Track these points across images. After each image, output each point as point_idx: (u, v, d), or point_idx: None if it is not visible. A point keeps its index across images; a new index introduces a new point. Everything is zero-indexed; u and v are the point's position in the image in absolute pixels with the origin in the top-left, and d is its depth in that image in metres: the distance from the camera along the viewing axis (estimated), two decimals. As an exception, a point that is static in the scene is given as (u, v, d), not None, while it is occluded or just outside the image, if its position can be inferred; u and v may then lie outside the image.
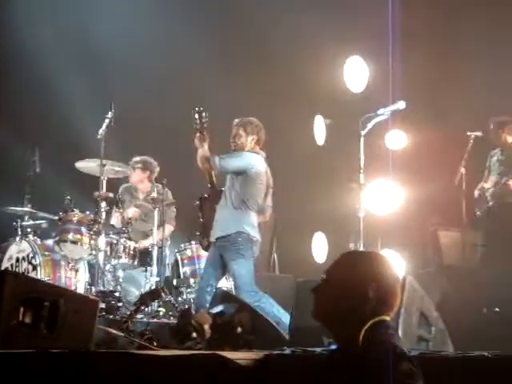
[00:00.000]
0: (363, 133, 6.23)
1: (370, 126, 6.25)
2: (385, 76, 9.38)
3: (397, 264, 8.94)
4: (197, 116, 6.73)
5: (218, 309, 5.76)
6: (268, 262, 9.13)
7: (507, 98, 8.76)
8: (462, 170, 8.26)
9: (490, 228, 8.37)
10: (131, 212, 8.44)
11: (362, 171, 6.26)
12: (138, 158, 8.78)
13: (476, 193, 8.52)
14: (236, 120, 7.04)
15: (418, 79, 8.87)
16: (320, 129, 10.45)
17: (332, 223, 9.64)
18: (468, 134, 8.29)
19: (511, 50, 8.97)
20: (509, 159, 8.47)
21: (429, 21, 9.32)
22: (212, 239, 6.74)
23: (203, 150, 6.72)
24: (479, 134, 8.38)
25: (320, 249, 10.40)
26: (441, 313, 5.71)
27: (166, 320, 7.23)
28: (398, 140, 8.30)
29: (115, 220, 8.34)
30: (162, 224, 8.13)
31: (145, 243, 8.20)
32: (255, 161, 6.84)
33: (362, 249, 6.07)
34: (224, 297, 6.28)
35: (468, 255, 8.10)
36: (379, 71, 9.73)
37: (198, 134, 6.73)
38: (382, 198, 9.59)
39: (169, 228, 8.50)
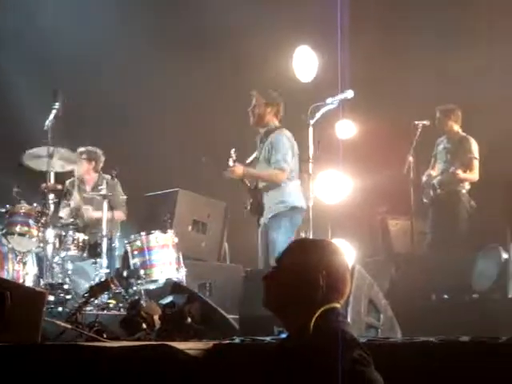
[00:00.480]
0: (312, 122, 6.25)
1: (318, 115, 6.28)
2: (333, 65, 9.44)
3: (346, 252, 9.01)
4: (234, 156, 6.93)
5: (168, 299, 5.75)
6: (218, 251, 9.12)
7: (453, 87, 8.87)
8: (410, 158, 8.35)
9: (436, 216, 8.49)
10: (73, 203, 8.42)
11: (311, 161, 6.27)
12: (82, 149, 8.70)
13: (423, 178, 8.63)
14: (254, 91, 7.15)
15: (366, 69, 8.92)
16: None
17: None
18: (415, 122, 8.38)
19: (458, 40, 9.08)
20: (455, 147, 8.58)
21: (377, 11, 9.38)
22: None
23: (249, 174, 6.97)
24: (426, 122, 8.47)
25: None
26: (390, 300, 5.78)
27: (115, 312, 7.17)
28: (347, 129, 8.35)
29: (63, 212, 8.26)
30: (111, 214, 8.06)
31: (95, 214, 8.20)
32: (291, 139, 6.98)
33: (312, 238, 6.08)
34: (174, 287, 6.27)
35: (416, 243, 8.19)
36: (328, 61, 9.77)
37: (233, 169, 6.93)
38: (331, 188, 9.68)
39: (119, 215, 8.44)
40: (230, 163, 6.86)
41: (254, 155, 7.14)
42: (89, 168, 8.70)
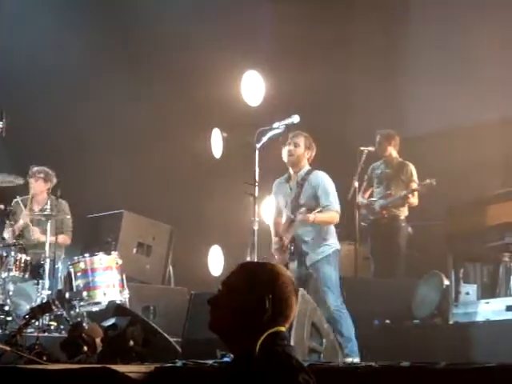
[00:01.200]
0: (258, 146, 6.28)
1: (264, 139, 6.31)
2: (281, 91, 9.54)
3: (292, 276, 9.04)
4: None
5: (111, 322, 5.69)
6: (163, 274, 9.08)
7: (399, 114, 9.03)
8: (355, 183, 8.42)
9: (376, 240, 8.55)
10: (22, 221, 8.27)
11: (257, 184, 6.29)
12: (39, 168, 8.47)
13: (362, 201, 8.69)
14: (295, 132, 6.81)
15: (313, 94, 9.02)
16: (217, 142, 10.50)
17: (228, 236, 9.69)
18: (361, 148, 8.46)
19: (407, 63, 9.24)
20: (394, 172, 8.67)
21: (323, 37, 9.50)
22: None
23: (318, 218, 6.57)
24: (372, 148, 8.56)
25: (216, 262, 10.43)
26: (332, 325, 5.81)
27: (57, 334, 7.08)
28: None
29: (7, 233, 8.11)
30: (55, 236, 7.96)
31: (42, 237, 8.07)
32: None
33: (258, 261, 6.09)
34: (117, 310, 6.21)
35: (360, 268, 8.24)
36: (276, 86, 9.87)
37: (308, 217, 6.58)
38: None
39: (64, 238, 8.33)
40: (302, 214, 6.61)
41: (285, 198, 6.86)
42: (44, 187, 8.49)
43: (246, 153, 6.84)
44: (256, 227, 6.18)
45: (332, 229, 6.77)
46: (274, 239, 6.87)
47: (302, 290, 5.52)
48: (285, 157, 6.76)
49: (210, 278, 9.88)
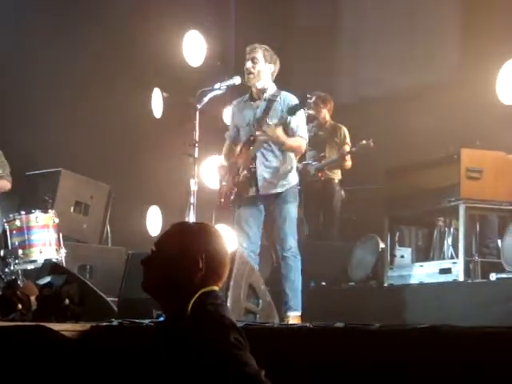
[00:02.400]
0: (199, 106, 6.19)
1: (205, 99, 6.21)
2: (223, 51, 9.47)
3: (229, 238, 9.05)
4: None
5: (46, 280, 5.62)
6: (100, 233, 8.98)
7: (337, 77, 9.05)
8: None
9: (311, 203, 8.53)
10: None
11: (196, 145, 6.22)
12: None
13: (298, 165, 8.65)
14: (251, 46, 6.25)
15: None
16: (158, 102, 10.38)
17: (167, 197, 9.63)
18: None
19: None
20: (328, 134, 8.64)
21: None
22: None
23: (279, 136, 6.10)
24: (312, 112, 8.49)
25: (154, 222, 10.38)
26: (269, 286, 5.83)
27: (-9, 292, 6.96)
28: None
29: None
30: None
31: None
32: None
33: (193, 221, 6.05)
34: (53, 268, 6.14)
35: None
36: (217, 46, 9.78)
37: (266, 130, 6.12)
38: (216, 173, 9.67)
39: (4, 184, 8.10)
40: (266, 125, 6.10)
41: (247, 118, 6.31)
42: None
43: (186, 113, 6.75)
44: (195, 188, 6.12)
45: (294, 160, 6.32)
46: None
47: (239, 251, 5.50)
48: (245, 76, 6.22)
49: (148, 238, 9.82)
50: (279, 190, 6.18)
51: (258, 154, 6.21)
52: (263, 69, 6.20)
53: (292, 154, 6.29)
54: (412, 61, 9.13)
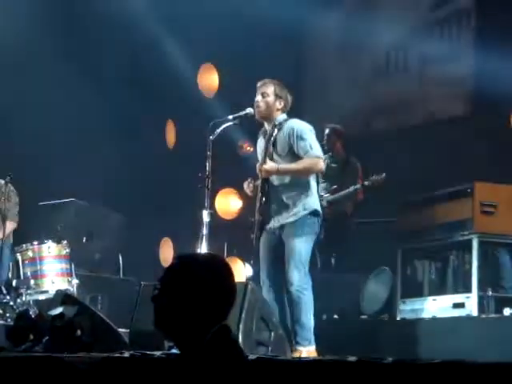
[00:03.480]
0: (212, 138, 6.23)
1: (218, 131, 6.26)
2: (236, 82, 9.51)
3: (240, 270, 9.05)
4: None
5: (58, 311, 5.62)
6: (113, 263, 9.00)
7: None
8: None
9: (324, 236, 8.49)
10: None
11: (209, 177, 6.25)
12: None
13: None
14: (262, 81, 6.21)
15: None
16: (171, 132, 10.45)
17: (180, 228, 9.64)
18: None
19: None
20: (341, 167, 8.64)
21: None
22: None
23: (284, 169, 5.99)
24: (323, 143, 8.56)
25: (167, 253, 10.37)
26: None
27: (2, 322, 6.98)
28: (248, 147, 8.36)
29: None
30: (2, 221, 7.84)
31: None
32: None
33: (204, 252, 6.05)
34: (64, 299, 6.13)
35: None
36: (232, 77, 9.84)
37: (265, 168, 6.03)
38: (230, 205, 9.70)
39: (11, 224, 8.18)
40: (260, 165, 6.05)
41: (261, 155, 6.23)
42: None
43: (199, 144, 6.79)
44: (208, 219, 6.13)
45: (312, 184, 6.08)
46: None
47: (251, 284, 5.50)
48: (254, 111, 6.15)
49: (161, 269, 9.81)
50: (291, 219, 6.03)
51: (270, 186, 6.14)
52: (273, 102, 6.14)
53: (307, 181, 6.07)
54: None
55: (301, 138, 5.99)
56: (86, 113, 9.65)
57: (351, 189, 8.38)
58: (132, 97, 9.79)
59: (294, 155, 6.03)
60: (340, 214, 8.47)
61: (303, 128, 6.07)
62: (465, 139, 8.26)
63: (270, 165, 6.01)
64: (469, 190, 6.52)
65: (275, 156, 6.10)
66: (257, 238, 6.18)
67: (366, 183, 8.26)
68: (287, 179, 6.08)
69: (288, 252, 5.95)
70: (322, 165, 6.08)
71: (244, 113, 6.30)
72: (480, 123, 8.15)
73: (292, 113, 6.26)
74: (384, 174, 8.02)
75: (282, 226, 6.07)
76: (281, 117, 6.18)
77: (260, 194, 6.16)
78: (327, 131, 8.58)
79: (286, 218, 6.04)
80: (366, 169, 8.48)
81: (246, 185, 6.29)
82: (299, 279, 5.89)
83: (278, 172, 6.02)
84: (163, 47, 9.67)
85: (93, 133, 9.65)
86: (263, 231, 6.14)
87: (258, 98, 6.16)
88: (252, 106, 6.25)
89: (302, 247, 5.95)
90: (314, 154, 5.99)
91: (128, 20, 9.54)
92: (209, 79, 10.19)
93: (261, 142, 6.32)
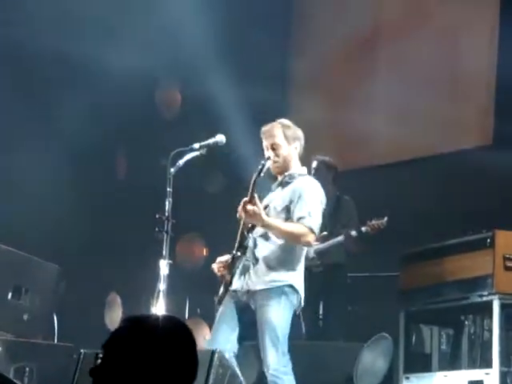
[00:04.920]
0: (173, 171, 6.17)
1: (181, 163, 6.20)
2: (201, 105, 9.54)
3: (204, 334, 8.95)
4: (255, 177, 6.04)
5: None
6: (45, 326, 8.87)
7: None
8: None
9: (310, 294, 8.34)
10: None
11: (169, 219, 6.18)
12: None
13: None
14: (266, 127, 6.25)
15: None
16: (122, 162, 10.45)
17: (131, 282, 9.59)
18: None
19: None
20: (330, 209, 8.54)
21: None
22: None
23: (269, 223, 5.99)
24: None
25: (113, 313, 10.29)
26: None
27: None
28: (216, 182, 8.34)
29: None
30: None
31: None
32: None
33: (160, 313, 5.97)
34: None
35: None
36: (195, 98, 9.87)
37: (253, 210, 5.96)
38: (192, 252, 9.65)
39: None
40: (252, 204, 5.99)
41: (264, 202, 6.26)
42: None
43: (157, 178, 6.74)
44: (165, 272, 6.04)
45: (298, 255, 6.13)
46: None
47: (219, 352, 5.42)
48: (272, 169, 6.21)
49: (105, 332, 9.71)
50: (263, 286, 6.02)
51: (251, 242, 6.15)
52: (288, 152, 6.20)
53: (297, 250, 6.13)
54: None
55: (304, 199, 6.08)
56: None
57: (343, 237, 8.32)
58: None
59: (288, 213, 6.11)
60: (331, 266, 8.42)
61: (313, 191, 6.18)
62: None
63: (258, 209, 5.97)
64: (488, 240, 6.50)
65: (270, 209, 6.16)
66: (220, 299, 6.20)
67: (363, 229, 8.20)
68: (272, 239, 6.11)
69: (260, 326, 5.95)
70: (311, 240, 6.10)
71: (213, 141, 6.26)
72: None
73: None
74: (386, 218, 7.99)
75: (251, 293, 6.07)
76: (297, 168, 6.27)
77: (236, 248, 6.15)
78: (315, 164, 8.53)
79: (255, 284, 6.05)
80: (363, 210, 8.48)
81: (214, 265, 6.30)
82: (276, 361, 5.89)
83: (263, 222, 6.00)
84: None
85: (21, 164, 9.61)
86: (228, 292, 6.15)
87: (269, 154, 6.17)
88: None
89: (276, 321, 5.94)
90: (309, 224, 6.02)
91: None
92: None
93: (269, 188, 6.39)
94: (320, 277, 8.41)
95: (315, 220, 6.09)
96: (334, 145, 10.01)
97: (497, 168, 8.22)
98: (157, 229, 6.14)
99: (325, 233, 8.39)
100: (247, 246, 6.13)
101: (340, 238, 8.38)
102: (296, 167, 6.28)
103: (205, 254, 9.65)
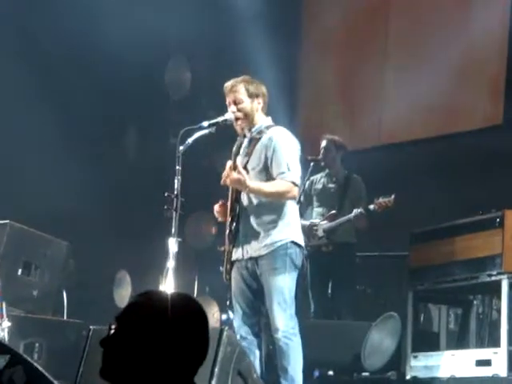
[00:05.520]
0: (182, 149, 6.16)
1: (190, 141, 6.19)
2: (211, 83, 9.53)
3: (213, 312, 8.98)
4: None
5: (-16, 361, 5.54)
6: (54, 303, 8.90)
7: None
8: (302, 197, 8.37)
9: (317, 271, 8.37)
10: None
11: (178, 196, 6.19)
12: None
13: (304, 223, 8.47)
14: (228, 83, 6.15)
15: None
16: (132, 141, 10.45)
17: (140, 259, 9.62)
18: (308, 158, 8.38)
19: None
20: (339, 188, 8.55)
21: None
22: None
23: (253, 186, 5.90)
24: (320, 157, 8.52)
25: (123, 290, 10.33)
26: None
27: None
28: (225, 160, 8.32)
29: None
30: None
31: None
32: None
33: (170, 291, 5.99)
34: (-7, 346, 6.06)
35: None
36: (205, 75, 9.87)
37: (235, 177, 5.91)
38: (201, 230, 9.67)
39: None
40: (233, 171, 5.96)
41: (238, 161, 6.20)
42: None
43: (166, 157, 6.75)
44: (175, 249, 6.06)
45: (290, 210, 6.07)
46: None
47: (227, 330, 5.43)
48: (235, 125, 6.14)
49: (115, 309, 9.75)
50: (266, 250, 5.98)
51: (241, 208, 6.10)
52: (250, 107, 6.10)
53: (284, 204, 6.04)
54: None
55: (280, 153, 5.99)
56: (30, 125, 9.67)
57: (353, 214, 8.32)
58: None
59: (268, 171, 6.03)
60: (340, 245, 8.42)
61: (286, 142, 6.05)
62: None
63: (240, 174, 5.91)
64: (498, 220, 6.50)
65: (249, 170, 6.07)
66: (227, 272, 6.18)
67: (371, 207, 8.20)
68: (258, 200, 6.05)
69: (267, 291, 5.94)
70: (295, 193, 6.08)
71: (223, 119, 6.24)
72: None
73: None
74: (393, 196, 7.98)
75: (253, 260, 6.04)
76: (262, 121, 6.17)
77: (230, 218, 6.13)
78: (324, 143, 8.53)
79: (256, 249, 6.01)
80: (371, 189, 8.48)
81: (216, 207, 6.27)
82: (285, 323, 5.90)
83: (247, 188, 5.94)
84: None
85: (34, 145, 9.64)
86: (233, 264, 6.13)
87: (232, 108, 6.12)
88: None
89: (283, 284, 5.93)
90: (291, 178, 5.97)
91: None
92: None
93: (235, 149, 6.30)
94: (329, 256, 8.43)
95: (295, 172, 6.02)
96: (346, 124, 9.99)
97: (507, 148, 8.22)
98: (166, 207, 6.15)
99: (333, 211, 8.43)
100: (239, 214, 6.09)
101: (349, 216, 8.38)
102: (261, 120, 6.16)
103: (213, 232, 9.66)
